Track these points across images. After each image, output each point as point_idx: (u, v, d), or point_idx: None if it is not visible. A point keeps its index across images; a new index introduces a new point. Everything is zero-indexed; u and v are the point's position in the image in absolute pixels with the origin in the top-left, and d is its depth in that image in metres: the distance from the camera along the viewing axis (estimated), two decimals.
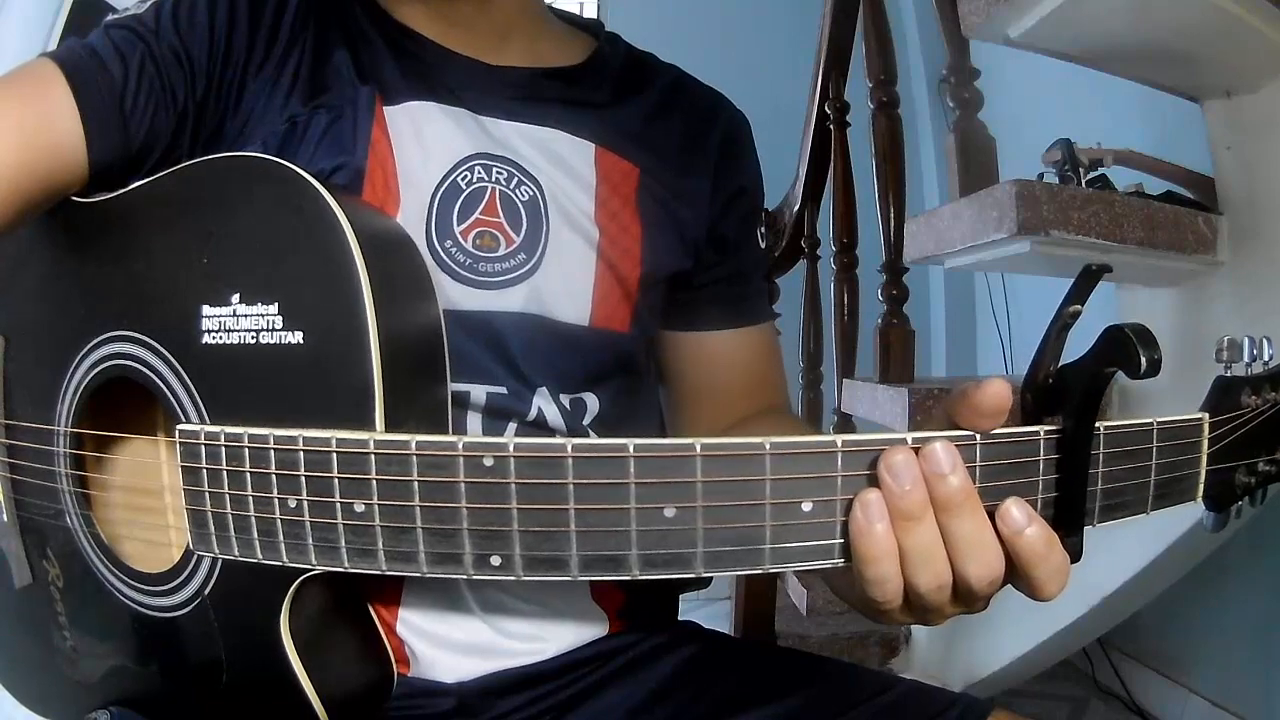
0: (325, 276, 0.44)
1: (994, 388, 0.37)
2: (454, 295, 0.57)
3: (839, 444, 0.37)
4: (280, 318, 0.45)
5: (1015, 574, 0.38)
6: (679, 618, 0.72)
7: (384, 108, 0.58)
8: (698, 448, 0.36)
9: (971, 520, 0.37)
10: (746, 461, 0.37)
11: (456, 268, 0.57)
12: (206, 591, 0.49)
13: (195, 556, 0.49)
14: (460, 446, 0.38)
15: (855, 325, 1.71)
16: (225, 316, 0.46)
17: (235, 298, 0.46)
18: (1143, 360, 0.36)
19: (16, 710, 0.64)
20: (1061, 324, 0.39)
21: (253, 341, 0.46)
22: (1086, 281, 0.39)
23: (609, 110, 0.65)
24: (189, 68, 0.55)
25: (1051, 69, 1.43)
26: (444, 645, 0.58)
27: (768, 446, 0.37)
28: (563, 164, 0.61)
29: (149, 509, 0.55)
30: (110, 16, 0.56)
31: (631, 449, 0.37)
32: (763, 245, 0.74)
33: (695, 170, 0.67)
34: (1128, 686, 1.92)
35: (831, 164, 1.75)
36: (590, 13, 3.35)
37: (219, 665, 0.49)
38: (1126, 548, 1.32)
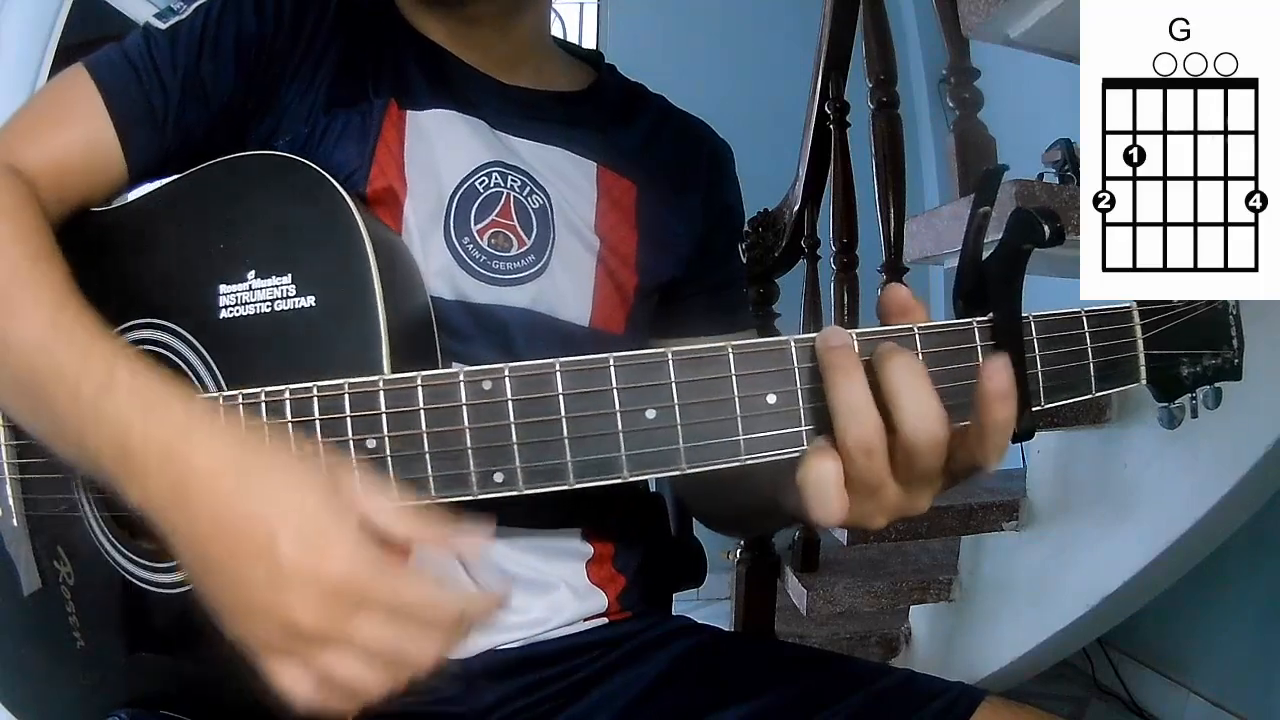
0: (335, 249, 0.49)
1: (890, 290, 0.43)
2: (468, 288, 0.61)
3: (792, 341, 0.42)
4: (293, 286, 0.49)
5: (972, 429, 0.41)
6: (676, 617, 0.72)
7: (408, 112, 0.62)
8: (669, 355, 0.42)
9: (908, 368, 0.40)
10: (712, 363, 0.42)
11: (472, 263, 0.61)
12: None
13: None
14: (461, 375, 0.42)
15: (855, 325, 1.70)
16: (241, 291, 0.49)
17: (251, 274, 0.49)
18: (1046, 229, 0.40)
19: None
20: (976, 225, 0.43)
21: (267, 310, 0.49)
22: (989, 182, 0.43)
23: (609, 132, 0.70)
24: (231, 67, 0.58)
25: (1051, 69, 1.43)
26: None
27: (730, 349, 0.42)
28: (567, 178, 0.66)
29: None
30: (151, 19, 0.59)
31: (612, 361, 0.42)
32: (743, 259, 0.78)
33: (689, 186, 0.72)
34: (1128, 686, 1.92)
35: (831, 164, 1.74)
36: (590, 15, 3.36)
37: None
38: (1126, 548, 1.32)
